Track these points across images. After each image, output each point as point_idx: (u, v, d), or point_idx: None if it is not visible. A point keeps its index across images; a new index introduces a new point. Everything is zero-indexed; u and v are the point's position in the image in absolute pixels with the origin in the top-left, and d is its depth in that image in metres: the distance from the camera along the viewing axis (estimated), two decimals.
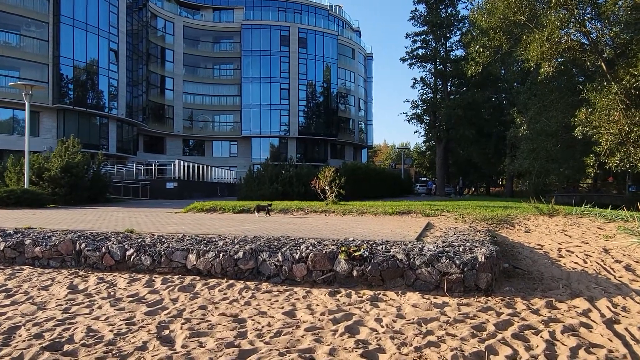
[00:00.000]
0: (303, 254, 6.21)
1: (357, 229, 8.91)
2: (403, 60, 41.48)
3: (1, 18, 35.57)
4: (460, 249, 6.26)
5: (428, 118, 42.26)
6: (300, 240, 7.27)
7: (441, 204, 15.70)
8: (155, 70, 53.58)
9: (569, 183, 41.02)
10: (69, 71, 38.11)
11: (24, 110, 37.98)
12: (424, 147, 62.57)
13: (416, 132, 67.92)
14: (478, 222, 10.39)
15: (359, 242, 6.97)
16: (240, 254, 6.43)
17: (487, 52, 19.37)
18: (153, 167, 28.97)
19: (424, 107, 41.56)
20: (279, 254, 6.32)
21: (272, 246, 6.73)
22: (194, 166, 30.66)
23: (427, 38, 41.08)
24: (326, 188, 14.97)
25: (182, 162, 28.71)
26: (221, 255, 6.48)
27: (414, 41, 41.33)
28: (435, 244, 6.75)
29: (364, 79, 71.02)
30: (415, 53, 41.13)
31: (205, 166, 33.78)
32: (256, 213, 12.81)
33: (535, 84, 23.83)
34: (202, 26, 58.26)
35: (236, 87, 58.44)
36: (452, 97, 41.33)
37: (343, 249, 6.27)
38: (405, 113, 51.03)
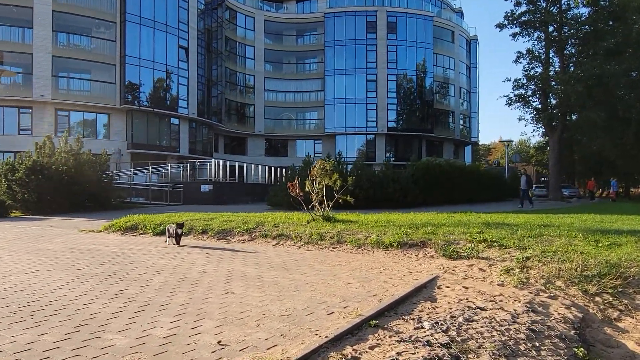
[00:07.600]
0: None
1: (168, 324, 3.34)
2: (500, 27, 32.20)
3: (72, 21, 35.45)
4: None
5: (537, 99, 32.52)
6: None
7: (516, 220, 8.98)
8: (234, 68, 51.39)
9: None
10: (135, 71, 36.87)
11: (94, 112, 38.58)
12: (544, 141, 51.56)
13: (520, 119, 55.72)
14: (562, 287, 4.06)
15: None
16: None
17: None
18: (188, 168, 25.38)
19: (531, 86, 31.71)
20: None
21: None
22: (241, 166, 26.59)
23: None
24: (312, 194, 9.21)
25: (220, 161, 24.46)
26: None
27: (517, 4, 31.97)
28: None
29: (467, 65, 61.76)
30: (518, 19, 31.57)
31: (259, 166, 29.48)
32: (167, 239, 7.76)
33: None
34: (284, 19, 54.94)
35: (319, 82, 53.97)
36: (569, 70, 31.06)
37: None
38: (507, 96, 39.33)
